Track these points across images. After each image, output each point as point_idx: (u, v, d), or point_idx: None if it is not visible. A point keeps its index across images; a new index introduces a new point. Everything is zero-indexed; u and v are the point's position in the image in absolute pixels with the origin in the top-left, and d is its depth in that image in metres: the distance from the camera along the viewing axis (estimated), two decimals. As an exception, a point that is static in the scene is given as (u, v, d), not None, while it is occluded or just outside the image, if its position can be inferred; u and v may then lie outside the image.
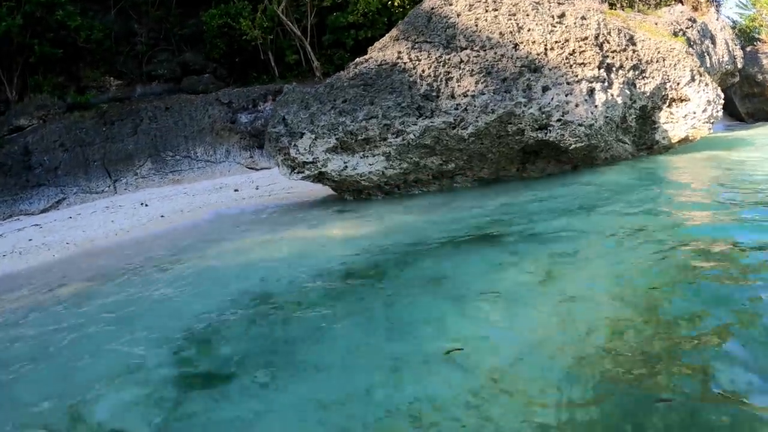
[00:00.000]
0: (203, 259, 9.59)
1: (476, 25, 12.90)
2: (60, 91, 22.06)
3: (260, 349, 5.29)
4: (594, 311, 4.87)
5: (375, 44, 13.96)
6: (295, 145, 12.50)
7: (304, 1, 24.69)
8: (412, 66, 12.45)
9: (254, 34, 23.52)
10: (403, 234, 9.13)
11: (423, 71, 12.35)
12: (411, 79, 12.26)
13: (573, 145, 12.22)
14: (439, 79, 12.22)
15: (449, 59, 12.37)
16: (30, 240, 15.46)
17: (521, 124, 11.98)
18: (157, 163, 20.75)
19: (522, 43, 12.59)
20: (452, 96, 12.03)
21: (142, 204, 17.29)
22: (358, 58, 13.47)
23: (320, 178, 12.98)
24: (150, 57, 24.16)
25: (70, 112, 21.19)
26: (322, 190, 14.89)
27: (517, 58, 12.35)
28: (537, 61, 12.39)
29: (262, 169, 20.93)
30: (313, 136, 12.37)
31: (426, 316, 5.40)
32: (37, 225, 17.35)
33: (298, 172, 12.82)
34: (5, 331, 7.51)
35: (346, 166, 12.50)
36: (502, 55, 12.32)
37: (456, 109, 11.90)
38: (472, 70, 12.18)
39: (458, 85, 12.08)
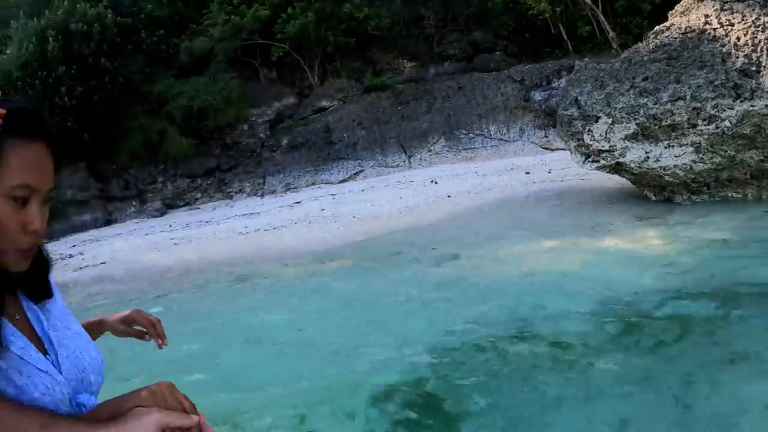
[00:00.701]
0: (469, 259, 9.24)
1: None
2: (357, 75, 23.70)
3: (496, 403, 4.50)
4: None
5: (675, 8, 12.07)
6: (589, 130, 11.47)
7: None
8: (723, 33, 10.55)
9: (541, 8, 22.38)
10: (719, 264, 7.29)
11: (738, 39, 10.38)
12: (724, 50, 10.40)
13: None
14: (758, 48, 10.15)
15: None
16: (322, 210, 16.60)
17: None
18: (450, 141, 21.01)
19: None
20: None
21: (432, 181, 17.57)
22: (657, 27, 11.86)
23: (617, 169, 11.78)
24: (440, 38, 24.43)
25: (367, 94, 22.55)
26: (620, 182, 13.63)
27: None
28: None
29: (556, 149, 20.00)
30: (610, 121, 11.21)
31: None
32: (333, 195, 18.66)
33: (593, 161, 11.77)
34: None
35: (648, 157, 11.13)
36: None
37: (783, 88, 9.88)
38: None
39: None
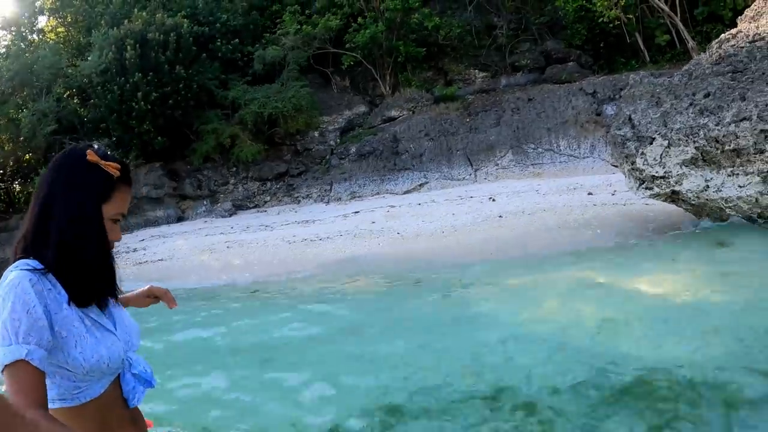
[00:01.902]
0: (489, 297, 8.15)
1: None
2: (428, 85, 22.85)
3: None
4: None
5: (746, 12, 10.48)
6: (642, 153, 10.08)
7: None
8: (801, 43, 9.06)
9: (611, 15, 20.66)
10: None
11: (821, 52, 8.91)
12: (802, 65, 8.92)
13: None
14: None
15: None
16: (373, 223, 15.79)
17: None
18: (518, 155, 19.72)
19: None
20: None
21: (490, 198, 16.44)
22: (723, 35, 10.32)
23: (673, 198, 10.34)
24: (512, 48, 23.18)
25: (436, 104, 21.59)
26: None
27: None
28: None
29: (629, 168, 18.40)
30: (666, 143, 9.79)
31: None
32: (391, 206, 17.81)
33: (646, 188, 10.38)
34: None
35: (707, 186, 9.64)
36: None
37: None
38: None
39: None
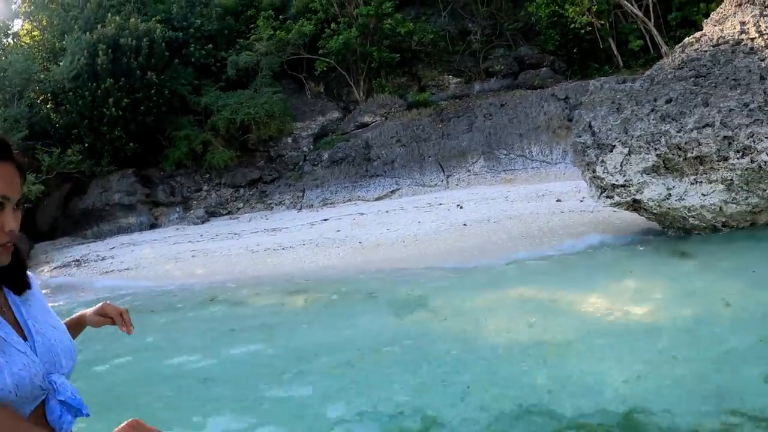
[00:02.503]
0: (438, 310, 7.56)
1: None
2: (402, 90, 22.30)
3: None
4: None
5: (712, 15, 9.96)
6: (602, 160, 9.51)
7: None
8: (763, 44, 8.45)
9: (583, 20, 20.16)
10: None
11: (785, 55, 8.37)
12: (763, 65, 8.31)
13: None
14: None
15: None
16: (338, 231, 15.18)
17: None
18: (489, 161, 19.15)
19: None
20: None
21: (458, 206, 15.84)
22: (687, 38, 9.78)
23: (635, 207, 9.77)
24: (486, 53, 22.57)
25: (409, 110, 21.02)
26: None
27: None
28: None
29: (602, 174, 17.83)
30: (626, 150, 9.22)
31: None
32: (360, 214, 17.19)
33: (607, 197, 9.80)
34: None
35: (669, 195, 9.08)
36: None
37: (841, 118, 7.72)
38: None
39: None
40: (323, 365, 6.16)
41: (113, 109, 21.72)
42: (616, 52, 20.87)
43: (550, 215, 13.38)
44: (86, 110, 22.05)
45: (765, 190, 8.49)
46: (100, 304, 1.98)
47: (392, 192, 19.69)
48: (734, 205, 8.71)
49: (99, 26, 22.69)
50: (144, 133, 22.89)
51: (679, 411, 4.32)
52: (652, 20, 20.12)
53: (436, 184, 19.40)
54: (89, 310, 1.98)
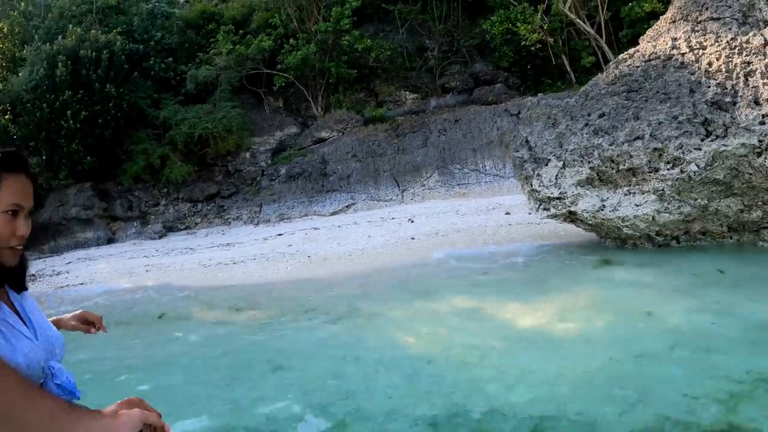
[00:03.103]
0: (376, 321, 7.47)
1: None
2: (360, 106, 22.27)
3: None
4: None
5: (648, 32, 10.07)
6: (538, 174, 9.52)
7: (594, -6, 20.47)
8: (693, 58, 8.53)
9: (533, 38, 20.39)
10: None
11: (709, 65, 8.37)
12: (692, 79, 8.38)
13: None
14: (734, 75, 8.13)
15: (748, 42, 8.19)
16: (289, 246, 14.99)
17: None
18: (444, 175, 19.14)
19: None
20: (756, 102, 7.83)
21: (409, 220, 15.77)
22: (621, 55, 9.88)
23: (572, 218, 9.78)
24: (442, 70, 22.71)
25: (365, 126, 20.97)
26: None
27: None
28: None
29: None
30: (561, 164, 9.23)
31: None
32: (314, 229, 17.02)
33: (544, 209, 9.80)
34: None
35: (604, 206, 9.10)
36: None
37: (762, 123, 7.74)
38: (790, 63, 7.87)
39: (764, 83, 7.87)
40: (256, 371, 6.23)
41: (71, 121, 21.26)
42: (569, 68, 21.08)
43: (497, 228, 13.37)
44: (44, 122, 21.57)
45: (696, 200, 8.53)
46: (79, 311, 2.26)
47: (348, 207, 19.55)
48: (667, 215, 8.73)
49: (59, 37, 22.28)
50: (102, 147, 22.42)
51: (590, 416, 4.28)
52: (604, 37, 20.39)
53: (391, 199, 19.31)
54: (66, 316, 2.21)
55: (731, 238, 8.84)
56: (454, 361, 5.74)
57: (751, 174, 8.09)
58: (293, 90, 23.34)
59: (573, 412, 4.37)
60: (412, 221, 15.45)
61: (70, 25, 23.17)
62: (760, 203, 8.40)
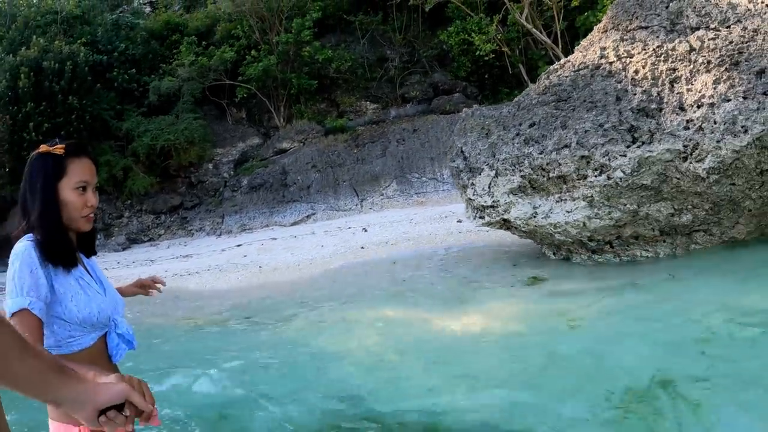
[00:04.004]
0: (304, 328, 7.46)
1: (715, -10, 8.53)
2: (321, 117, 22.28)
3: None
4: None
5: (581, 42, 10.12)
6: (473, 183, 9.53)
7: (549, 5, 20.72)
8: (621, 66, 8.56)
9: (487, 48, 20.55)
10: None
11: (636, 72, 8.40)
12: (619, 87, 8.41)
13: None
14: (659, 81, 8.14)
15: (674, 49, 8.23)
16: (244, 256, 14.91)
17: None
18: (402, 184, 19.17)
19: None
20: (681, 107, 7.87)
21: (363, 229, 15.74)
22: (553, 65, 9.94)
23: (507, 226, 9.79)
24: (402, 80, 22.83)
25: (326, 136, 20.96)
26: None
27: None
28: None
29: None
30: (493, 173, 9.23)
31: None
32: (273, 239, 16.93)
33: (480, 217, 9.80)
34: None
35: (536, 213, 9.10)
36: (755, 31, 7.76)
37: (686, 128, 7.77)
38: (709, 61, 7.84)
39: (689, 89, 7.92)
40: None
41: (33, 133, 20.99)
42: (526, 77, 21.22)
43: (447, 235, 13.40)
44: (6, 134, 21.33)
45: (626, 205, 8.55)
46: (138, 278, 2.73)
47: (308, 217, 19.48)
48: (598, 220, 8.75)
49: (23, 48, 22.04)
50: (64, 159, 22.18)
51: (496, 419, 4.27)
52: (560, 46, 20.58)
53: (350, 209, 19.28)
54: (126, 284, 2.65)
55: (664, 241, 8.88)
56: (372, 361, 5.81)
57: (678, 179, 8.13)
58: (255, 101, 23.27)
59: (486, 415, 4.37)
60: (366, 230, 15.42)
61: (35, 36, 22.93)
62: (689, 207, 8.43)
